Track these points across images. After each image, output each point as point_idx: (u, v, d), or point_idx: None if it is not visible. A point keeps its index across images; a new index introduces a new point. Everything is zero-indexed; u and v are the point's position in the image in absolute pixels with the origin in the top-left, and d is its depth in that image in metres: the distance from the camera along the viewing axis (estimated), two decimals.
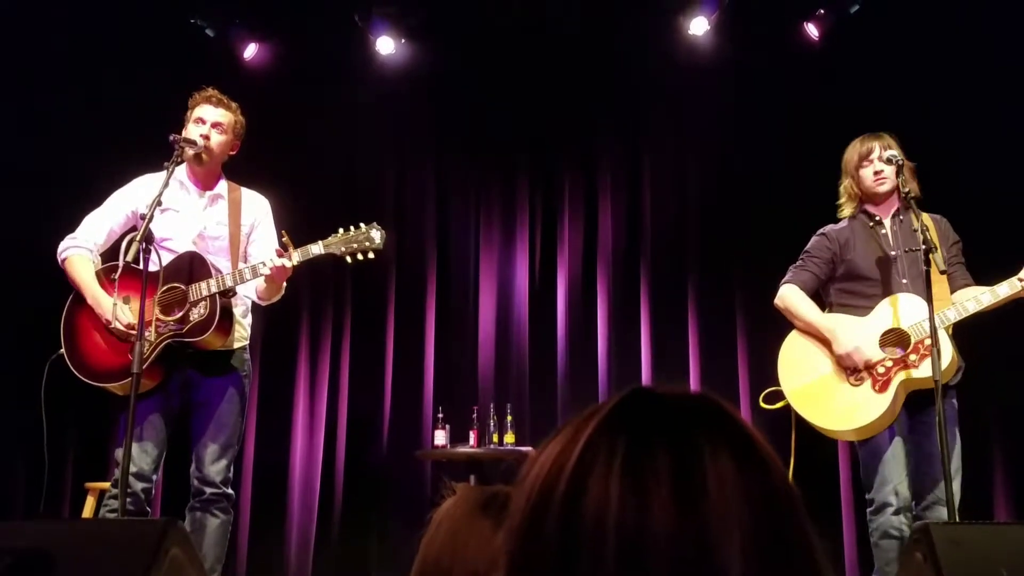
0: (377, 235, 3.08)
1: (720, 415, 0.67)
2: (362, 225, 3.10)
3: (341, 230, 3.09)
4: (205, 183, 3.25)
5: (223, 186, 3.28)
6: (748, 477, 0.62)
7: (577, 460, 0.64)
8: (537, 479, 0.66)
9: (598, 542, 0.60)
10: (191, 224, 3.19)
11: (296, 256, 3.02)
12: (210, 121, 3.19)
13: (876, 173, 3.18)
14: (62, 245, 3.17)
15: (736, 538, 0.59)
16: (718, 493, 0.60)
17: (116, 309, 2.96)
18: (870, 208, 3.26)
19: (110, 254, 3.20)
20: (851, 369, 3.04)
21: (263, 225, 3.31)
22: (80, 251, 3.14)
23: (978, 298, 2.95)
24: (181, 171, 3.22)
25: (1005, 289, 2.93)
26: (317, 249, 3.07)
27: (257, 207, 3.32)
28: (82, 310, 3.11)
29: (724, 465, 0.62)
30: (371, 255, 3.09)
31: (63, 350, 3.08)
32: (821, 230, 3.34)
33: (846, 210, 3.30)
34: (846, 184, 3.29)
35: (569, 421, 0.69)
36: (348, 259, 3.09)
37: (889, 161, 3.12)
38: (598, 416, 0.67)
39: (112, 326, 3.00)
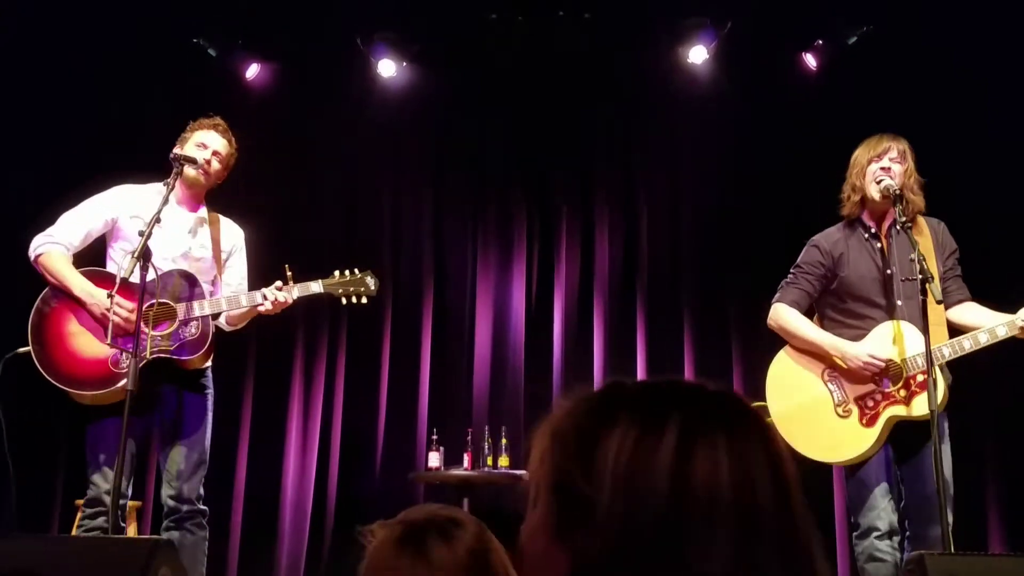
0: (372, 283, 3.34)
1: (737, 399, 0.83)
2: (356, 271, 3.32)
3: (337, 273, 3.29)
4: (192, 205, 3.31)
5: (203, 210, 3.34)
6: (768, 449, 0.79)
7: (679, 440, 0.74)
8: (619, 463, 0.73)
9: (710, 507, 0.71)
10: (177, 242, 3.22)
11: (296, 291, 3.19)
12: (212, 148, 3.26)
13: (883, 170, 3.01)
14: (36, 241, 3.09)
15: (797, 490, 0.78)
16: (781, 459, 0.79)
17: (112, 300, 2.94)
18: (867, 218, 3.12)
19: (86, 259, 3.16)
20: (865, 379, 2.95)
21: (238, 254, 3.40)
22: (58, 247, 3.08)
23: (976, 337, 2.89)
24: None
25: (1004, 331, 2.87)
26: (317, 287, 3.25)
27: (235, 235, 3.41)
28: (57, 308, 3.06)
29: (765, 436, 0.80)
30: (364, 300, 3.33)
31: (30, 348, 3.00)
32: (813, 240, 3.21)
33: (846, 209, 3.14)
34: (852, 183, 3.11)
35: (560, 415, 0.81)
36: (343, 300, 3.30)
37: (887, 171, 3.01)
38: (678, 409, 0.77)
39: (111, 318, 2.94)
